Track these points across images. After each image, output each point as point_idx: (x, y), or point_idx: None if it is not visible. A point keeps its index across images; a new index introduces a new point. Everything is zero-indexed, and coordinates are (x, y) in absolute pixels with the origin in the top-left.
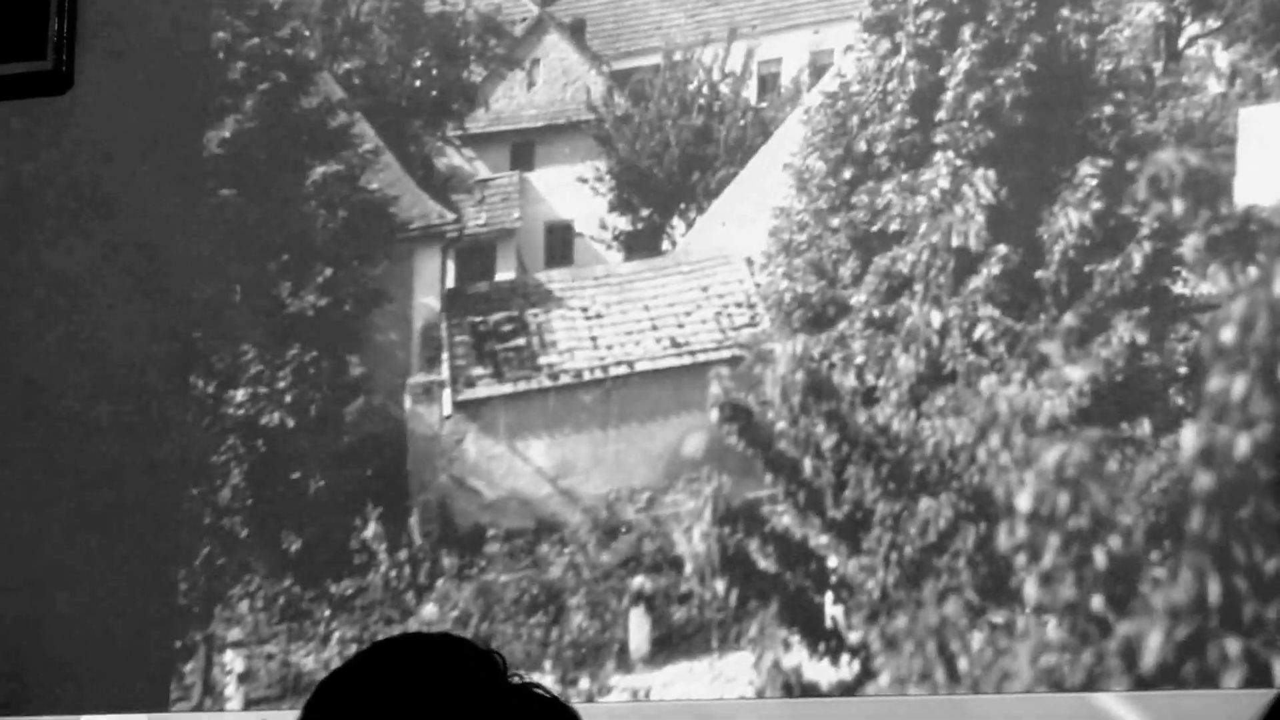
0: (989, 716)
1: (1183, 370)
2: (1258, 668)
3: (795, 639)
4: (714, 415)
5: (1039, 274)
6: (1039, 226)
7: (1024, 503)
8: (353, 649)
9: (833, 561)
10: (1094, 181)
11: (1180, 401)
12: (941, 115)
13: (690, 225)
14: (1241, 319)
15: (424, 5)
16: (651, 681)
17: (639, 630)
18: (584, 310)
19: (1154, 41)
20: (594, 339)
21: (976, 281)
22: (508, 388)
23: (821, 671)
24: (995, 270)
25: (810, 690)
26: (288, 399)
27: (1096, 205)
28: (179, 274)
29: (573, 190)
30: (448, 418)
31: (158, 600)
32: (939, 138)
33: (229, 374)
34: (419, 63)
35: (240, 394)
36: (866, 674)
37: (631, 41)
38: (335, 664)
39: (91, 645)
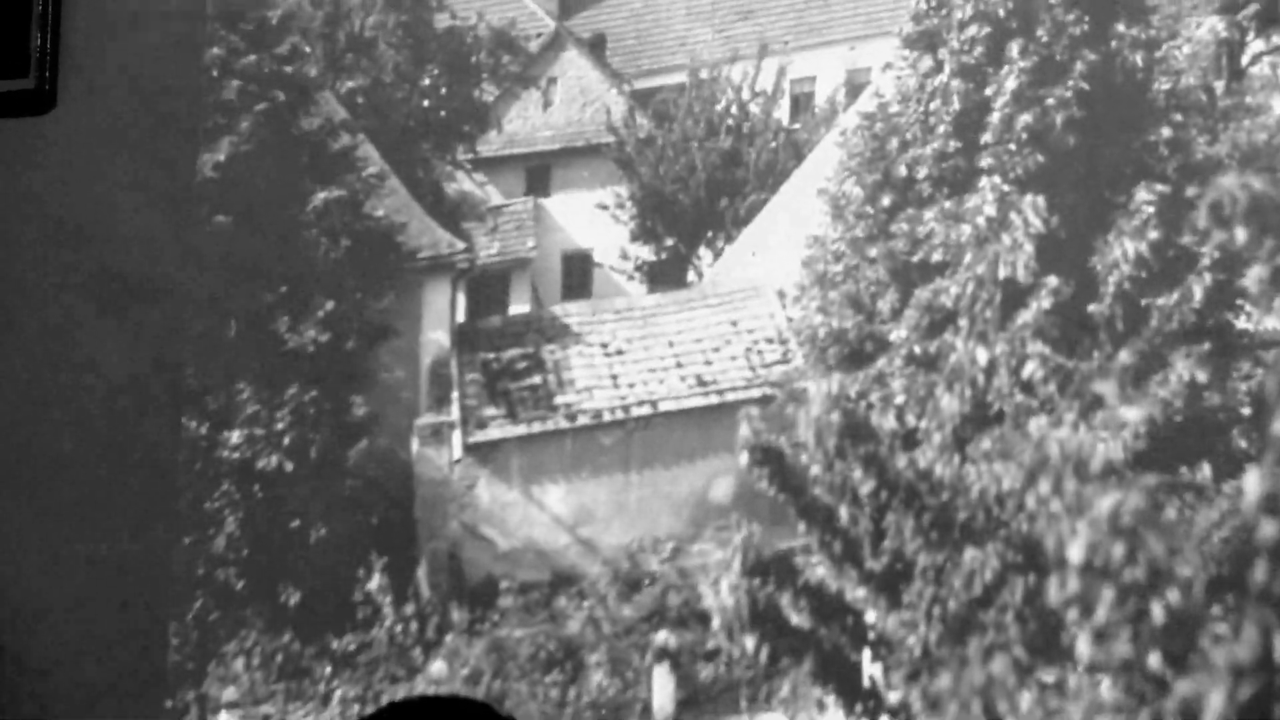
0: None
1: (1246, 411)
2: None
3: (830, 699)
4: (743, 459)
5: (1092, 308)
6: (1092, 257)
7: (1076, 553)
8: (356, 710)
9: (871, 616)
10: (1151, 208)
11: (1243, 444)
12: (987, 138)
13: (718, 255)
14: None
15: (433, 19)
16: None
17: (663, 689)
18: (604, 346)
19: (1215, 59)
20: (614, 377)
21: (1025, 316)
22: (522, 429)
23: None
24: (1045, 304)
25: None
26: (286, 441)
27: (1154, 234)
28: (170, 307)
29: (592, 218)
30: (458, 461)
31: (147, 657)
32: (985, 162)
33: (223, 414)
34: (427, 81)
35: (235, 436)
36: None
37: (655, 58)
38: None
39: (76, 705)
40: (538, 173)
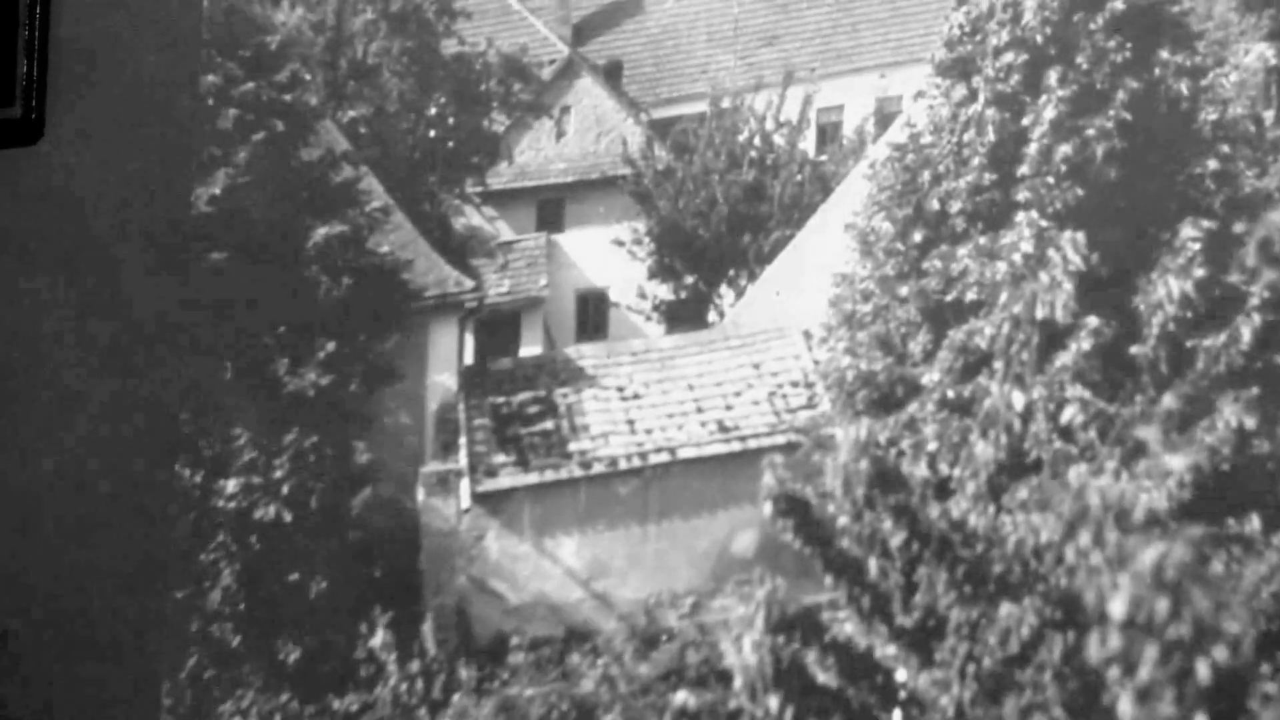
0: None
1: None
2: None
3: None
4: (767, 509)
5: (1134, 350)
6: (1134, 296)
7: (1118, 609)
8: None
9: (902, 674)
10: (1197, 245)
11: None
12: (1024, 170)
13: (740, 294)
14: None
15: (440, 45)
16: None
17: None
18: (620, 390)
19: (1265, 87)
20: (631, 422)
21: (1064, 358)
22: (534, 477)
23: None
24: (1085, 345)
25: None
26: (285, 490)
27: (1199, 272)
28: (163, 348)
29: (607, 254)
30: (466, 511)
31: (139, 717)
32: (1021, 195)
33: (219, 462)
34: (434, 110)
35: (232, 484)
36: None
37: (674, 86)
38: None
39: None
40: (550, 207)
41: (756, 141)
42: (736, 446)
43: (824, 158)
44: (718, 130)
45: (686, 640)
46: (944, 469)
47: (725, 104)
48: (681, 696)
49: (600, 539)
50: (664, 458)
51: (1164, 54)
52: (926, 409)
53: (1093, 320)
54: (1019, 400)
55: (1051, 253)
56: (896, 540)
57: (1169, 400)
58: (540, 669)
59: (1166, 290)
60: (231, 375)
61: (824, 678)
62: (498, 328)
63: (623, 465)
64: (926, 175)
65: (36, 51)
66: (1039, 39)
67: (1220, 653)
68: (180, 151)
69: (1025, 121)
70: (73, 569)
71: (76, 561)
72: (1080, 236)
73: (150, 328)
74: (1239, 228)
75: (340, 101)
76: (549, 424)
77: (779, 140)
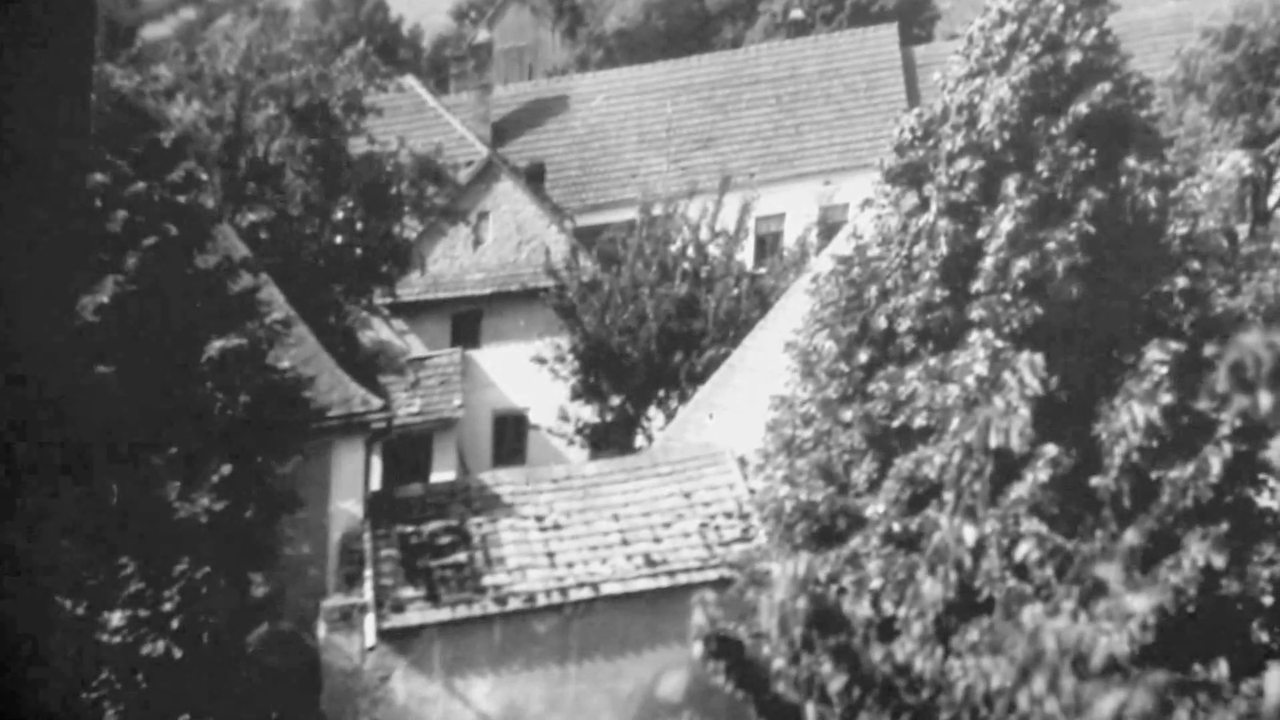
0: None
1: (1268, 600)
2: None
3: None
4: (697, 649)
5: (1095, 481)
6: (1096, 423)
7: None
8: None
9: None
10: (1163, 369)
11: (1264, 638)
12: (979, 286)
13: (670, 416)
14: None
15: (347, 144)
16: None
17: None
18: (539, 520)
19: (1238, 199)
20: (551, 555)
21: (1019, 490)
22: (445, 613)
23: None
24: (1042, 476)
25: None
26: (175, 624)
27: (1166, 398)
28: (43, 469)
29: (527, 372)
30: (371, 649)
31: None
32: (976, 313)
33: (103, 593)
34: (341, 214)
35: (117, 617)
36: None
37: (601, 191)
38: None
39: None
40: (466, 320)
41: (690, 252)
42: (665, 582)
43: (763, 270)
44: (648, 239)
45: None
46: (888, 608)
47: (657, 210)
48: None
49: (516, 680)
50: (586, 593)
51: (1131, 162)
52: (870, 543)
53: (1050, 449)
54: (970, 535)
55: (1007, 376)
56: (836, 685)
57: (1131, 536)
58: None
59: (1130, 417)
60: (117, 499)
61: None
62: (407, 451)
63: (541, 601)
64: (873, 290)
65: None
66: (996, 144)
67: None
68: (64, 257)
69: (981, 233)
70: None
71: None
72: (1038, 358)
73: (30, 447)
74: (1209, 350)
75: (239, 204)
76: (461, 556)
77: (714, 250)
